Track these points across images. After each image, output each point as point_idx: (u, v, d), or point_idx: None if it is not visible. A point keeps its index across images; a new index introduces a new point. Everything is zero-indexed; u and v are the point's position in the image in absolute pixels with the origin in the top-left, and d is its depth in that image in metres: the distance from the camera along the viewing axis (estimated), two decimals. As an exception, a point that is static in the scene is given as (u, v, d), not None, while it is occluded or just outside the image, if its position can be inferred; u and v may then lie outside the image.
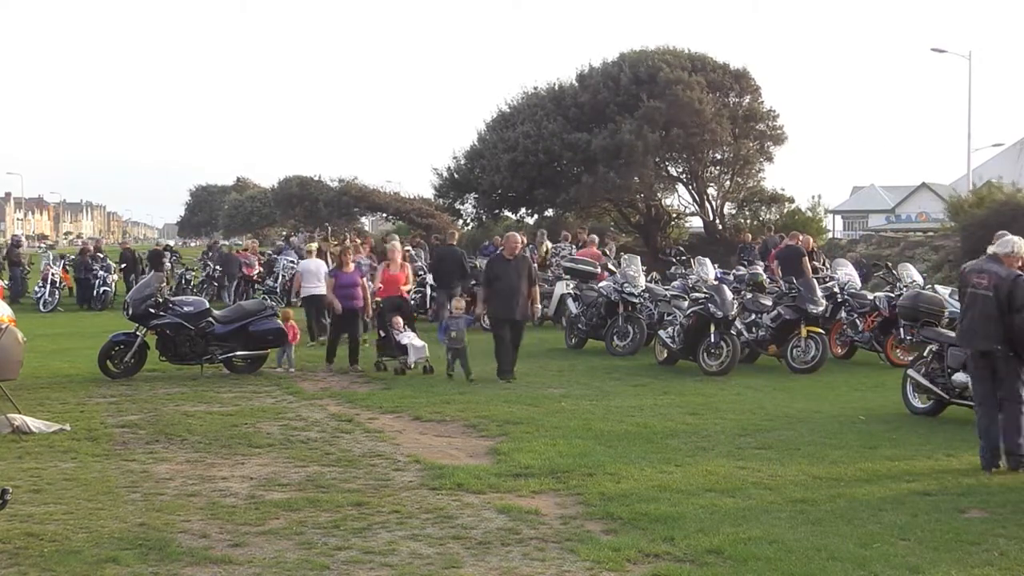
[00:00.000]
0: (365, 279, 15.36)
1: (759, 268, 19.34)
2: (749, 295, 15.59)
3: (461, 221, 41.01)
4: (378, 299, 14.67)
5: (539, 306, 14.16)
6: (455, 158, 37.63)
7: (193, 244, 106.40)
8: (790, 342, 14.30)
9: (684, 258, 23.37)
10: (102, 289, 27.99)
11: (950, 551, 6.12)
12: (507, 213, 38.43)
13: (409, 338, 13.85)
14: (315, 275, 16.86)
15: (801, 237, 21.25)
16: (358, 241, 25.88)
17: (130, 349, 13.67)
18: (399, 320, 14.07)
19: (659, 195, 35.69)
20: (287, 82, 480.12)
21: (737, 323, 14.45)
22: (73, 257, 30.95)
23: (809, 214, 34.35)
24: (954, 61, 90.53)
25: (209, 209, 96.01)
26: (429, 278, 23.47)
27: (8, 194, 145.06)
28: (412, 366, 13.74)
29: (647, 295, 16.87)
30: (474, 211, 38.63)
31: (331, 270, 15.55)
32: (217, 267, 29.67)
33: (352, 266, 15.02)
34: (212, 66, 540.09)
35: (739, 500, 7.30)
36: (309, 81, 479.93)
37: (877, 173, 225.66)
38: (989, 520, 6.81)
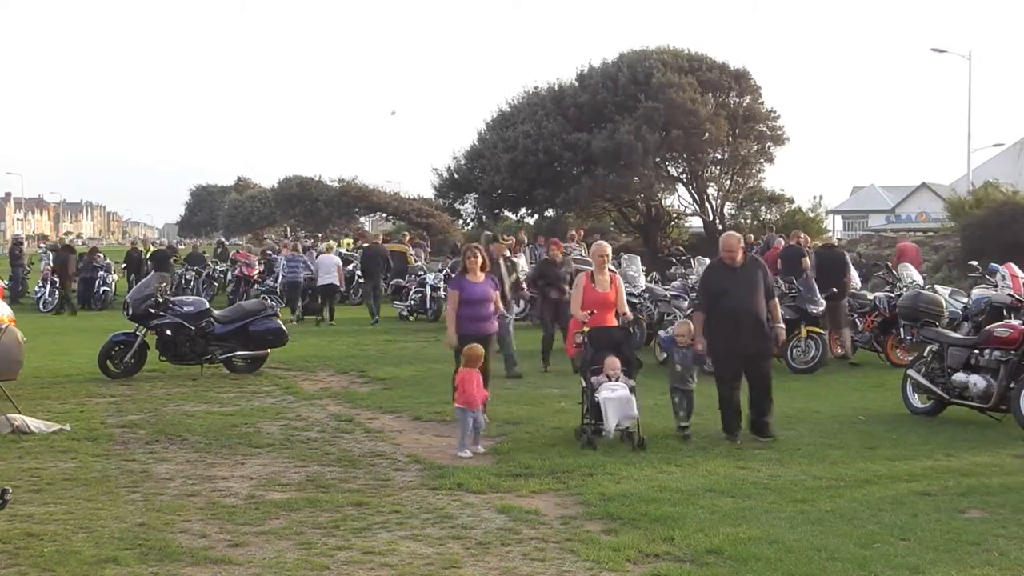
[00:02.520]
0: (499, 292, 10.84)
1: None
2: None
3: (461, 221, 41.04)
4: (584, 331, 9.70)
5: (782, 325, 9.99)
6: (455, 158, 37.69)
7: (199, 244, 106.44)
8: (790, 342, 14.29)
9: (684, 258, 23.38)
10: (102, 289, 28.03)
11: (950, 551, 6.12)
12: (507, 213, 38.46)
13: (610, 391, 9.12)
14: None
15: (803, 236, 21.25)
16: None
17: (130, 349, 13.68)
18: (615, 362, 9.37)
19: (659, 195, 35.70)
20: (287, 82, 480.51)
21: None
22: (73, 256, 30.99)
23: (810, 214, 34.36)
24: (954, 61, 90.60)
25: (209, 209, 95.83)
26: (429, 277, 23.59)
27: (8, 194, 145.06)
28: (610, 434, 9.04)
29: (647, 295, 16.87)
30: (474, 211, 38.65)
31: (454, 279, 11.07)
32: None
33: (483, 275, 10.51)
34: (212, 66, 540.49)
35: (739, 500, 7.30)
36: (310, 81, 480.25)
37: (877, 173, 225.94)
38: (989, 520, 6.81)
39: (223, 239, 56.22)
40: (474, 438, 9.07)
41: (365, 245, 27.27)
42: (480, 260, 10.42)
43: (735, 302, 9.43)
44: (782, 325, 9.97)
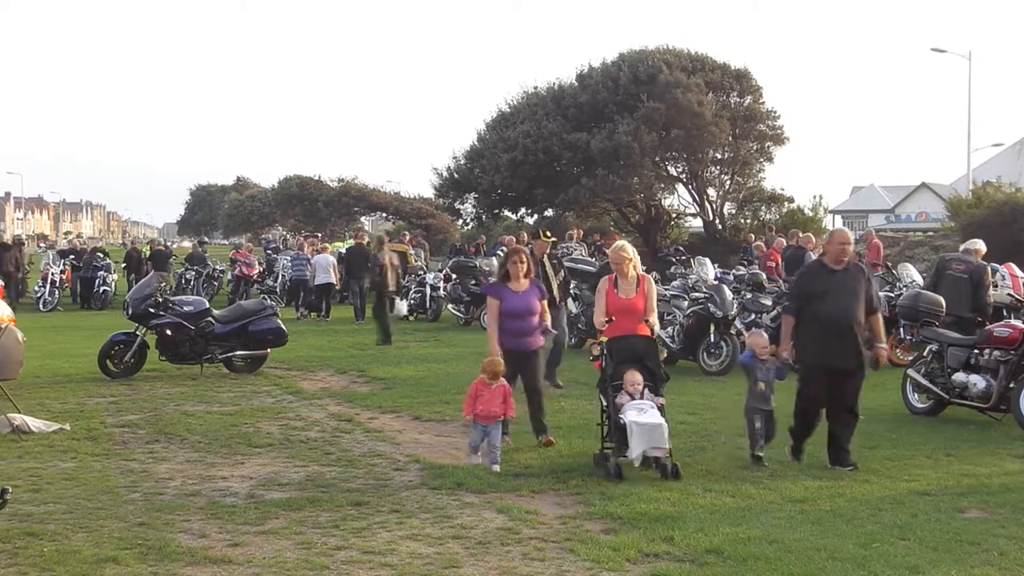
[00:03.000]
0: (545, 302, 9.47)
1: (758, 268, 19.44)
2: (749, 295, 15.60)
3: (461, 221, 41.08)
4: (601, 340, 8.60)
5: (883, 345, 8.77)
6: (455, 158, 37.76)
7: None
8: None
9: (684, 258, 23.40)
10: (102, 289, 28.02)
11: (950, 551, 6.12)
12: (507, 213, 38.49)
13: (637, 412, 7.99)
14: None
15: (801, 235, 21.30)
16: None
17: (130, 349, 13.68)
18: (636, 377, 8.26)
19: (659, 195, 35.72)
20: (287, 82, 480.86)
21: (737, 323, 14.46)
22: (73, 255, 31.02)
23: (810, 214, 34.38)
24: (954, 61, 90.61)
25: (209, 209, 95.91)
26: (429, 277, 23.63)
27: (8, 194, 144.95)
28: (636, 461, 7.90)
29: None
30: (474, 211, 38.69)
31: (492, 286, 9.89)
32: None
33: (527, 282, 9.31)
34: (212, 66, 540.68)
35: (739, 500, 7.30)
36: (309, 81, 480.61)
37: (877, 173, 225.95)
38: (989, 520, 6.81)
39: (205, 239, 56.44)
40: (490, 454, 8.34)
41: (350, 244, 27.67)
42: (525, 266, 9.19)
43: (833, 308, 8.30)
44: (884, 345, 8.74)
